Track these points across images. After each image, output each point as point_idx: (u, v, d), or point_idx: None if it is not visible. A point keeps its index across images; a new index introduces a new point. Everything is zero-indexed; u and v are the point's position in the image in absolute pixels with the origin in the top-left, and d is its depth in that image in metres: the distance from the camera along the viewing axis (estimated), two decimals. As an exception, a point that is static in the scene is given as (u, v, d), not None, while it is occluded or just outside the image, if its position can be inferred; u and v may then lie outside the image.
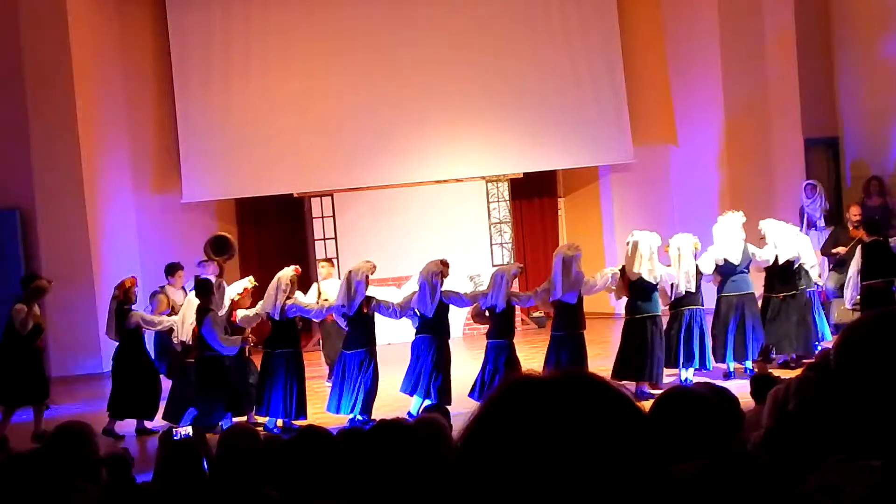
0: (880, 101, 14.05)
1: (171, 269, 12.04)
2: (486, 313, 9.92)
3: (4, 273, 13.67)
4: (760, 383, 6.06)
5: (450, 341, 10.04)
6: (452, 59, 14.37)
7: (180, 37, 14.37)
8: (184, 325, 10.16)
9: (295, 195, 14.65)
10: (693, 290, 10.42)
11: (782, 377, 6.10)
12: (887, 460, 1.80)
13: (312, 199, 14.62)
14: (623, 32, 14.62)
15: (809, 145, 14.68)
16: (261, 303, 10.02)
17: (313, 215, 14.63)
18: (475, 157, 14.45)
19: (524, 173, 14.78)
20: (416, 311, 9.86)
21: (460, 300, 10.10)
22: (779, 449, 3.38)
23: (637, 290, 10.18)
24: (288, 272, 9.97)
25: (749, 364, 10.59)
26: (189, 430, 7.49)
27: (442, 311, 9.85)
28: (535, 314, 14.34)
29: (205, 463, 4.66)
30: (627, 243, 10.34)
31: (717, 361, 10.63)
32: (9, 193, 13.55)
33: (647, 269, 10.11)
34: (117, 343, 10.48)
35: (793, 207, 14.32)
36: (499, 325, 9.83)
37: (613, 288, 10.38)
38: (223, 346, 9.60)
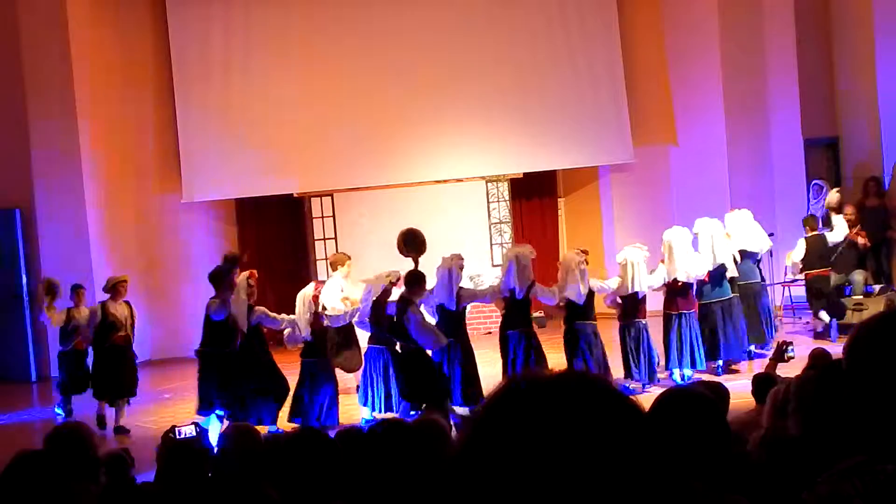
0: (880, 101, 14.05)
1: (342, 260, 11.12)
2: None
3: (4, 273, 13.68)
4: (761, 383, 6.05)
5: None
6: (452, 59, 14.37)
7: (180, 37, 14.37)
8: (300, 322, 9.93)
9: (295, 195, 14.65)
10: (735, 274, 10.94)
11: (783, 376, 6.09)
12: None
13: (312, 199, 14.61)
14: (623, 32, 14.62)
15: (809, 145, 14.67)
16: (428, 291, 10.08)
17: (313, 215, 14.63)
18: (475, 157, 14.45)
19: (524, 173, 14.78)
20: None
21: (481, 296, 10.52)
22: (784, 450, 3.37)
23: (712, 275, 10.66)
24: (458, 260, 10.05)
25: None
26: (192, 429, 7.41)
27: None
28: (535, 314, 14.31)
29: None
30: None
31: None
32: (9, 193, 13.56)
33: (643, 282, 10.43)
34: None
35: (792, 207, 14.32)
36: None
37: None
38: (426, 339, 9.60)
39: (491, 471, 1.24)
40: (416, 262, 10.13)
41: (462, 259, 10.18)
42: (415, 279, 9.75)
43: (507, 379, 1.34)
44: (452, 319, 9.91)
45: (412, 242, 10.30)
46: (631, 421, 1.27)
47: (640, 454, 1.25)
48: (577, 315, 10.16)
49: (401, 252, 10.40)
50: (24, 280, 13.63)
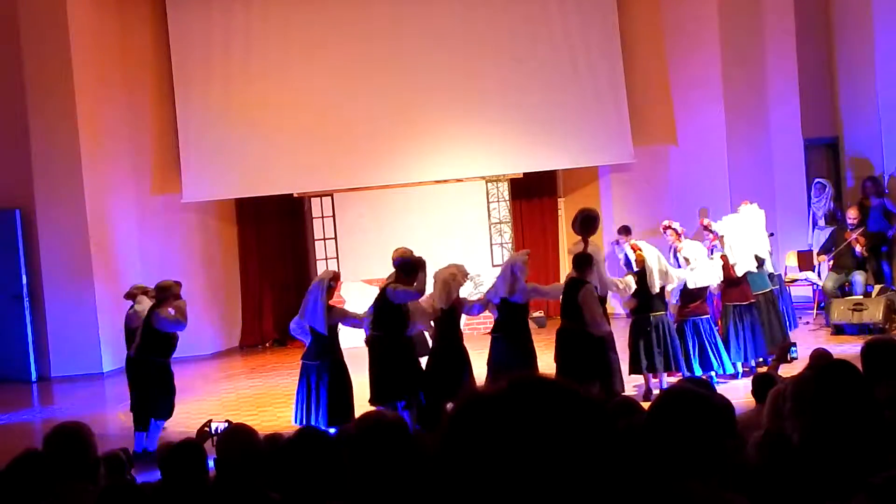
0: (880, 101, 14.06)
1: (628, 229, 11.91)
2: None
3: (4, 273, 13.68)
4: (761, 383, 6.06)
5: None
6: (452, 58, 14.38)
7: (180, 37, 14.37)
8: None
9: (295, 195, 14.65)
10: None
11: (783, 377, 6.10)
12: None
13: (312, 199, 14.62)
14: (623, 32, 14.62)
15: (809, 145, 14.67)
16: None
17: (313, 215, 14.64)
18: (475, 157, 14.45)
19: (524, 173, 14.78)
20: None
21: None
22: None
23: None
24: (522, 255, 10.04)
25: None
26: (224, 424, 7.33)
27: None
28: (535, 314, 14.32)
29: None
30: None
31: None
32: (9, 193, 13.56)
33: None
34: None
35: (793, 208, 14.33)
36: None
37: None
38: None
39: (460, 474, 1.26)
40: (586, 244, 10.15)
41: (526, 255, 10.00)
42: (585, 260, 9.69)
43: (475, 383, 1.35)
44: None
45: (589, 223, 10.34)
46: (588, 422, 1.28)
47: (599, 453, 1.25)
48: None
49: (575, 231, 10.49)
50: (24, 280, 13.63)
